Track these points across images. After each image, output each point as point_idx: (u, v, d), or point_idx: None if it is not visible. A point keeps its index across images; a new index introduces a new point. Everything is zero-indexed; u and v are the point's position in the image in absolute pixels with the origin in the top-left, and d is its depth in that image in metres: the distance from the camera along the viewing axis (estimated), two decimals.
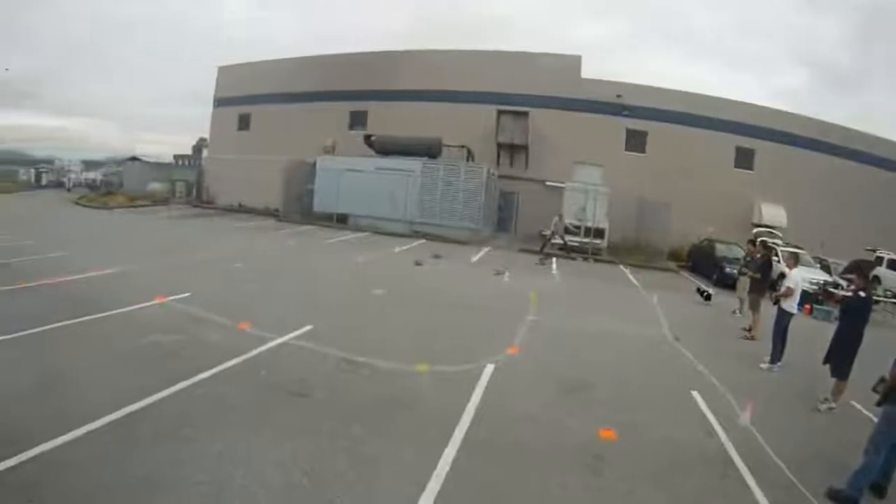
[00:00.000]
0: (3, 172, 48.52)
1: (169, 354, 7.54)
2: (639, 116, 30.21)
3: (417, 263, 17.27)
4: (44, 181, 48.16)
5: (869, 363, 6.89)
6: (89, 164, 51.57)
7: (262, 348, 8.08)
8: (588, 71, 30.77)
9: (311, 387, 6.81)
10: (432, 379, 7.47)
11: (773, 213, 28.56)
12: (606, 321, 11.86)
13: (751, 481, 5.34)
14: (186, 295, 10.72)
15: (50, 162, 53.00)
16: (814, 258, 20.74)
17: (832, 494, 5.16)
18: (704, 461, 5.77)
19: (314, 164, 28.75)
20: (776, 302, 9.91)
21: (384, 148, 27.81)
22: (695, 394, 7.66)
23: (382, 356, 8.07)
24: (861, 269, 8.43)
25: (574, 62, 30.59)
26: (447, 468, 5.03)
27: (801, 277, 10.69)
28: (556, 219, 24.47)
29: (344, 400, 6.55)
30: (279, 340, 8.48)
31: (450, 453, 5.30)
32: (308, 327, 9.25)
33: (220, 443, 5.18)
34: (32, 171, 49.48)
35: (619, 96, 29.90)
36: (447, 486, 4.76)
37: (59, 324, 8.35)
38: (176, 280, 12.01)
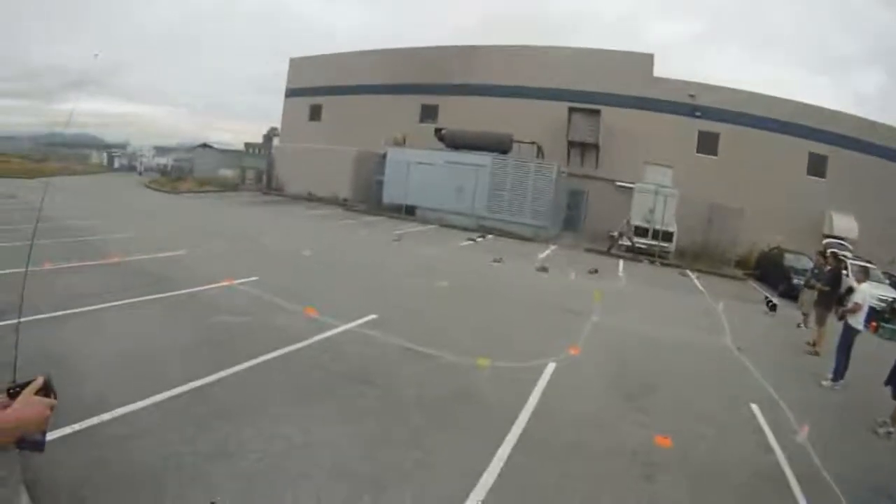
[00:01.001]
0: (78, 155, 50.40)
1: (236, 335, 7.76)
2: (711, 118, 29.19)
3: (496, 260, 17.18)
4: (116, 164, 49.95)
5: None
6: (161, 150, 53.20)
7: (327, 334, 8.22)
8: (660, 70, 29.97)
9: (372, 374, 6.93)
10: (493, 374, 7.49)
11: (844, 224, 27.15)
12: (669, 326, 11.66)
13: (801, 500, 5.23)
14: (254, 279, 10.98)
15: (123, 146, 54.81)
16: (884, 274, 19.77)
17: None
18: (758, 476, 5.66)
19: (384, 156, 28.97)
20: (842, 317, 9.50)
21: (454, 142, 27.81)
22: (754, 407, 7.51)
23: (445, 348, 8.15)
24: None
25: (646, 60, 29.87)
26: (501, 464, 5.06)
27: (870, 293, 10.11)
28: (625, 221, 24.16)
29: (404, 389, 6.63)
30: (343, 327, 8.62)
31: (505, 450, 5.32)
32: (372, 316, 9.36)
33: (280, 423, 5.32)
34: (105, 154, 51.31)
35: (691, 96, 29.04)
36: (500, 482, 4.78)
37: (133, 300, 8.75)
38: (244, 264, 12.33)
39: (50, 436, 1.70)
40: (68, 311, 7.76)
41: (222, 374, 6.26)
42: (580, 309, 11.95)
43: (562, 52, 30.89)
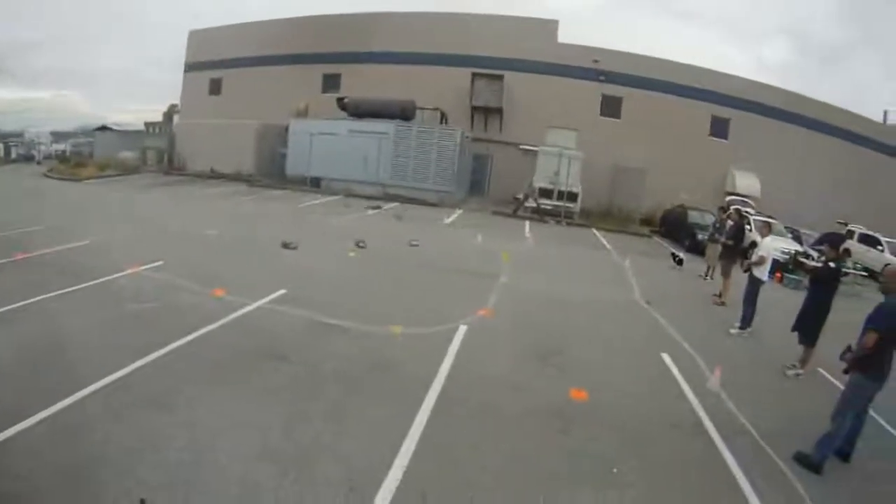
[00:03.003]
0: None
1: (146, 322, 7.61)
2: (615, 82, 30.08)
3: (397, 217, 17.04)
4: (13, 155, 47.20)
5: (836, 333, 7.05)
6: (58, 136, 50.47)
7: (238, 313, 8.16)
8: (565, 36, 30.45)
9: (285, 350, 6.91)
10: (406, 341, 7.55)
11: (746, 183, 28.79)
12: (578, 284, 12.02)
13: (720, 444, 5.45)
14: (159, 263, 10.79)
15: (19, 135, 51.82)
16: (786, 228, 20.97)
17: (799, 459, 5.31)
18: (675, 423, 5.86)
19: (287, 128, 28.50)
20: (747, 269, 10.13)
21: (357, 110, 27.61)
22: (665, 356, 7.86)
23: (357, 318, 8.18)
24: (832, 241, 8.86)
25: (551, 26, 30.28)
26: (421, 429, 5.17)
27: (773, 246, 10.92)
28: (528, 183, 24.77)
29: (318, 363, 6.65)
30: (253, 305, 8.56)
31: (423, 415, 5.43)
32: (282, 291, 9.33)
33: (198, 409, 5.30)
34: (1, 145, 48.51)
35: (595, 62, 29.76)
36: (422, 446, 4.91)
37: (37, 298, 8.34)
38: (148, 249, 11.98)
39: None
40: None
41: (136, 364, 6.17)
42: (489, 271, 12.20)
43: (465, 18, 30.94)
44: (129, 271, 10.18)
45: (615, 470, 4.85)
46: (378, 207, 22.35)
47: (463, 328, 8.10)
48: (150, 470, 4.31)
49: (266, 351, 6.83)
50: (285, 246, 11.72)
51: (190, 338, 7.04)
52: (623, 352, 8.05)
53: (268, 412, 5.34)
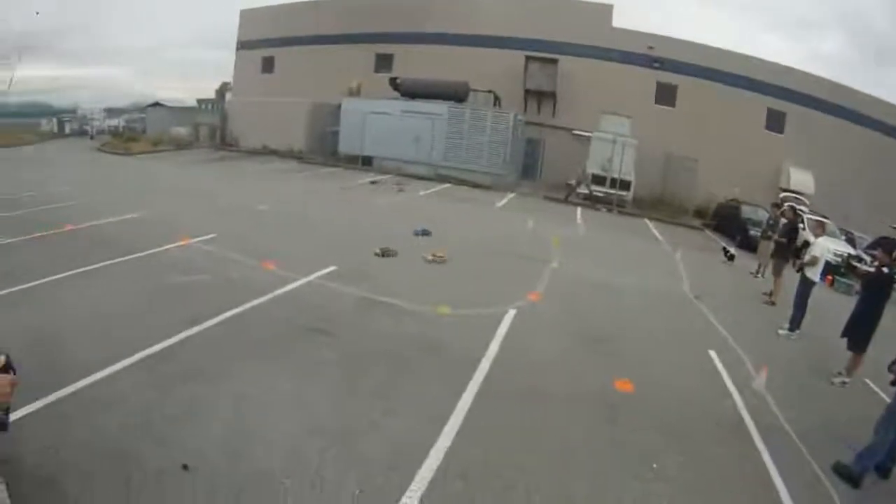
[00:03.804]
0: (26, 123, 48.69)
1: (196, 294, 7.73)
2: (670, 70, 29.19)
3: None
4: (67, 130, 48.26)
5: (887, 341, 6.88)
6: (112, 112, 51.52)
7: (287, 287, 8.22)
8: (620, 21, 29.68)
9: (334, 326, 6.92)
10: (453, 321, 7.52)
11: (800, 179, 27.47)
12: (628, 273, 11.76)
13: (760, 445, 5.32)
14: (211, 236, 10.88)
15: (72, 111, 52.98)
16: (840, 230, 20.17)
17: (838, 470, 5.06)
18: (717, 421, 5.77)
19: (339, 107, 28.48)
20: (799, 269, 9.69)
21: (410, 91, 27.42)
22: (712, 353, 7.66)
23: (406, 297, 8.17)
24: (886, 247, 8.26)
25: (605, 10, 29.53)
26: (465, 410, 5.14)
27: (826, 247, 10.38)
28: (580, 169, 24.30)
29: (366, 339, 6.65)
30: (303, 280, 8.62)
31: (468, 396, 5.40)
32: (332, 268, 9.35)
33: (245, 381, 5.34)
34: (55, 120, 49.57)
35: (650, 48, 28.95)
36: (465, 427, 4.87)
37: (89, 267, 8.54)
38: (200, 222, 12.13)
39: (15, 414, 1.83)
40: (24, 286, 7.50)
41: (185, 334, 6.20)
42: (539, 256, 12.00)
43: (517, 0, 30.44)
44: (181, 243, 10.30)
45: (655, 465, 4.75)
46: (430, 189, 22.20)
47: (512, 311, 8.04)
48: (194, 439, 4.32)
49: (314, 326, 6.84)
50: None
51: (239, 310, 7.10)
52: (670, 345, 7.90)
53: (313, 386, 5.36)
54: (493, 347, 6.65)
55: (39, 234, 10.55)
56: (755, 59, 29.21)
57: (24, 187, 15.56)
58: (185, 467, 3.96)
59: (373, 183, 21.19)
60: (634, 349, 7.37)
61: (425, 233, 12.80)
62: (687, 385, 6.50)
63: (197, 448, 4.19)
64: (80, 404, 4.69)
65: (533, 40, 29.39)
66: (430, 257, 10.77)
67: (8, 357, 1.70)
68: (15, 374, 1.70)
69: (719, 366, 7.21)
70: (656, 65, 29.29)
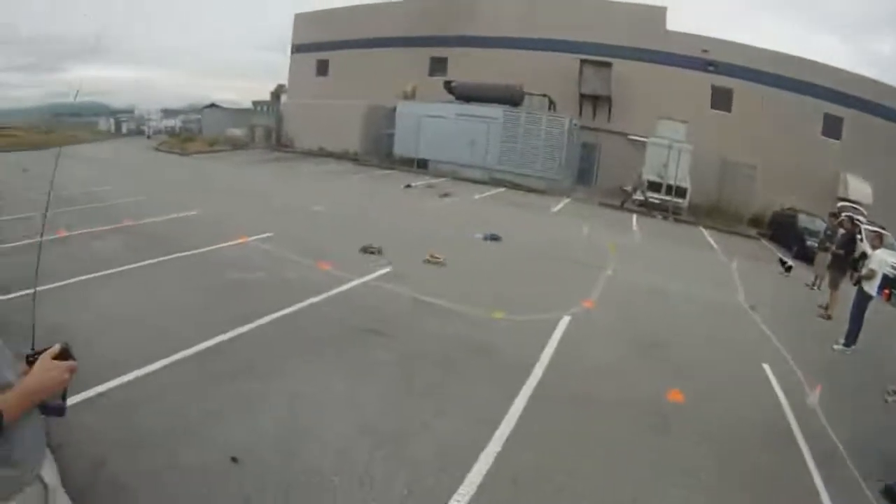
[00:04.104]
0: (84, 123, 50.44)
1: (252, 291, 7.89)
2: (725, 73, 28.45)
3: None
4: (124, 130, 49.89)
5: None
6: (168, 112, 53.25)
7: (342, 288, 8.32)
8: (673, 24, 29.25)
9: (388, 327, 6.97)
10: (508, 326, 7.51)
11: (858, 188, 26.26)
12: (683, 282, 11.59)
13: (810, 462, 5.21)
14: (267, 235, 11.10)
15: (130, 111, 54.78)
16: None
17: (889, 493, 4.89)
18: (767, 435, 5.67)
19: (394, 110, 28.73)
20: (857, 282, 9.31)
21: (465, 94, 27.48)
22: (765, 366, 7.49)
23: (460, 300, 8.19)
24: None
25: (659, 13, 29.12)
26: (517, 415, 5.12)
27: (884, 260, 9.90)
28: (636, 175, 24.02)
29: (419, 341, 6.68)
30: (358, 281, 8.71)
31: (521, 401, 5.38)
32: (387, 269, 9.46)
33: (298, 379, 5.41)
34: (112, 120, 51.23)
35: (704, 51, 28.33)
36: (517, 432, 4.84)
37: (147, 262, 8.82)
38: (256, 221, 12.31)
39: (71, 400, 1.74)
40: (84, 277, 7.82)
41: (239, 330, 6.35)
42: (595, 262, 11.91)
43: (573, 3, 30.17)
44: (238, 241, 10.52)
45: (701, 476, 4.71)
46: (484, 193, 22.14)
47: (566, 318, 8.02)
48: (245, 434, 4.40)
49: (368, 326, 6.89)
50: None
51: (294, 308, 7.21)
52: (723, 355, 7.76)
53: (365, 386, 5.41)
54: (547, 353, 6.69)
55: (101, 229, 10.90)
56: (812, 62, 28.31)
57: (84, 184, 15.96)
58: (234, 460, 4.04)
59: (407, 187, 21.15)
60: (687, 359, 7.37)
61: (494, 238, 12.74)
62: (738, 397, 6.46)
63: (247, 442, 4.28)
64: (135, 394, 4.85)
65: (587, 43, 29.08)
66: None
67: (66, 346, 1.73)
68: (73, 360, 1.74)
69: (772, 379, 7.09)
70: (711, 68, 28.63)
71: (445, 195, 17.02)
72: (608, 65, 28.57)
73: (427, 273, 9.64)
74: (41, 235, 2.14)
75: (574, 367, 6.45)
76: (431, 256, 10.61)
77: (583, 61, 28.72)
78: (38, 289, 1.96)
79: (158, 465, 3.97)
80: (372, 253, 10.50)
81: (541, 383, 5.84)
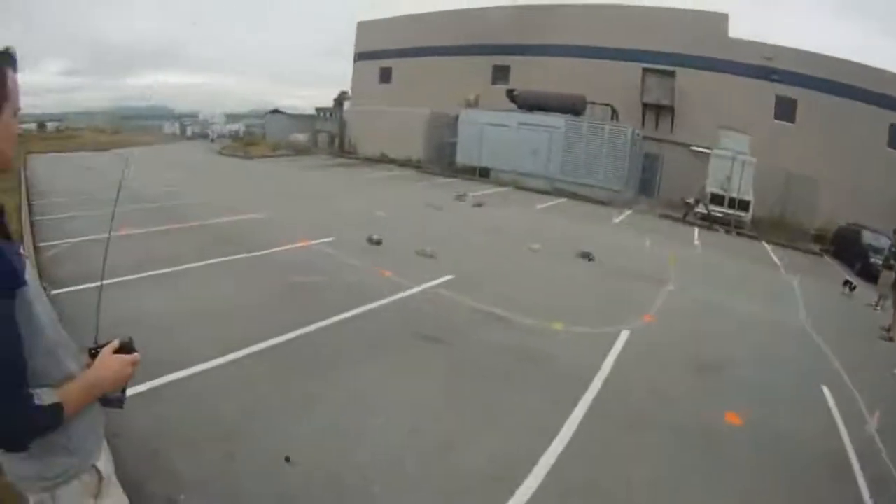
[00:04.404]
0: (149, 126, 52.63)
1: (313, 294, 8.10)
2: (789, 82, 27.71)
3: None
4: (188, 133, 51.67)
5: None
6: (231, 117, 55.03)
7: (402, 294, 8.46)
8: (736, 30, 28.70)
9: (446, 334, 7.07)
10: (567, 339, 7.52)
11: None
12: (744, 299, 11.44)
13: (865, 494, 5.07)
14: (329, 239, 11.36)
15: (194, 115, 56.71)
16: None
17: None
18: (822, 462, 5.56)
19: (457, 118, 29.01)
20: None
21: (527, 103, 27.56)
22: (824, 389, 7.30)
23: (520, 310, 8.22)
24: None
25: (721, 20, 28.57)
26: (573, 429, 5.12)
27: None
28: (700, 187, 23.79)
29: (477, 349, 6.76)
30: (418, 288, 8.83)
31: (577, 415, 5.38)
32: (448, 277, 9.55)
33: (355, 380, 5.57)
34: (177, 123, 53.15)
35: (767, 59, 27.59)
36: (571, 447, 4.83)
37: (212, 261, 9.20)
38: (319, 225, 12.64)
39: (131, 391, 1.81)
40: (150, 273, 8.23)
41: (300, 331, 6.55)
42: (655, 276, 11.90)
43: (635, 10, 30.03)
44: (301, 244, 10.79)
45: (755, 501, 4.67)
46: (546, 203, 22.26)
47: (626, 332, 7.98)
48: (299, 432, 4.54)
49: (426, 333, 6.98)
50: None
51: (354, 312, 7.37)
52: (782, 376, 7.57)
53: (421, 392, 5.48)
54: (606, 367, 6.68)
55: (169, 227, 11.41)
56: (879, 70, 27.28)
57: (150, 185, 16.58)
58: (287, 459, 4.12)
59: (459, 197, 20.78)
60: (746, 379, 7.24)
61: (589, 257, 12.53)
62: (795, 421, 6.30)
63: (300, 440, 4.41)
64: (196, 388, 5.06)
65: (649, 52, 28.86)
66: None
67: (128, 340, 1.76)
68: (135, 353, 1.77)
69: (831, 403, 6.90)
70: (774, 77, 27.89)
71: (478, 204, 17.08)
72: (671, 73, 28.34)
73: (490, 283, 9.72)
74: (109, 232, 2.15)
75: (632, 382, 6.45)
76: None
77: (645, 70, 28.56)
78: (105, 282, 1.99)
79: (214, 459, 4.14)
80: (432, 257, 10.79)
81: (598, 398, 5.85)
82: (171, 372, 5.18)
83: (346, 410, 5.00)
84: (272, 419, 4.73)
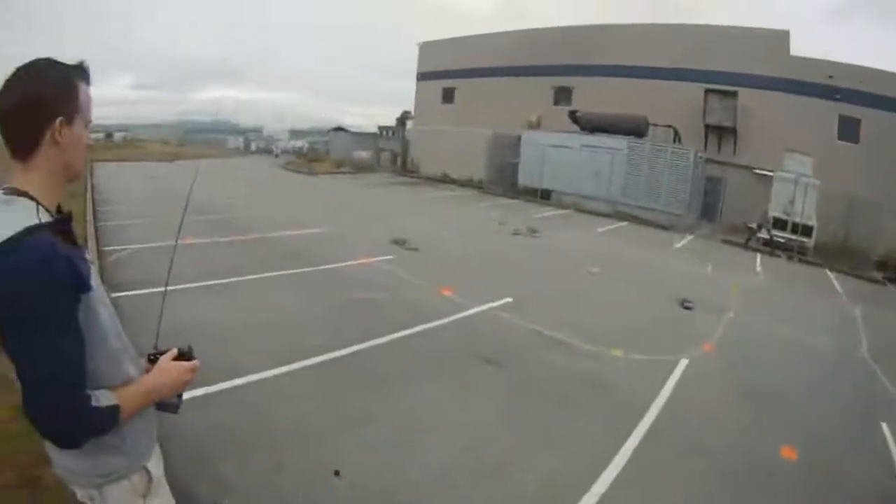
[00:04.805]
0: (214, 140, 54.59)
1: (373, 310, 8.25)
2: (853, 102, 27.01)
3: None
4: (253, 148, 53.42)
5: None
6: (295, 133, 56.66)
7: (462, 314, 8.55)
8: (796, 48, 28.09)
9: (503, 356, 7.09)
10: (626, 365, 7.48)
11: None
12: (806, 329, 11.21)
13: None
14: (390, 257, 11.54)
15: (258, 130, 58.66)
16: None
17: None
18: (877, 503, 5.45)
19: (519, 139, 29.32)
20: None
21: (589, 125, 27.69)
22: (884, 426, 7.05)
23: (579, 335, 8.22)
24: None
25: (782, 37, 28.04)
26: (627, 457, 5.09)
27: None
28: (763, 212, 23.50)
29: (534, 372, 6.78)
30: (478, 309, 8.88)
31: (632, 442, 5.33)
32: (508, 299, 9.55)
33: (410, 398, 5.64)
34: (241, 138, 55.04)
35: (830, 77, 27.04)
36: (623, 475, 4.80)
37: (274, 273, 9.52)
38: (381, 242, 12.83)
39: (186, 395, 1.87)
40: (210, 282, 8.52)
41: (357, 347, 6.71)
42: (717, 304, 11.80)
43: (696, 29, 29.80)
44: (361, 261, 10.98)
45: None
46: (608, 226, 22.41)
47: (685, 361, 7.89)
48: (350, 446, 4.61)
49: (484, 354, 7.04)
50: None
51: (413, 330, 7.48)
52: (841, 410, 7.40)
53: (476, 412, 5.51)
54: (663, 396, 6.63)
55: (232, 239, 11.85)
56: None
57: (215, 196, 17.15)
58: (336, 473, 4.15)
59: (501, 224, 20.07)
60: (804, 412, 7.08)
61: (688, 306, 11.54)
62: (852, 459, 6.14)
63: (350, 454, 4.46)
64: (248, 396, 5.18)
65: (710, 72, 28.54)
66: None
67: (187, 348, 1.83)
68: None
69: (890, 441, 6.68)
70: (837, 96, 27.30)
71: (534, 232, 16.79)
72: (733, 94, 27.95)
73: (550, 306, 9.70)
74: (176, 240, 2.18)
75: (689, 412, 6.37)
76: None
77: (707, 90, 28.27)
78: (168, 288, 2.06)
79: (262, 468, 4.22)
80: (490, 280, 10.83)
81: (653, 426, 5.78)
82: (225, 379, 5.35)
83: (400, 427, 5.07)
84: (323, 432, 4.82)
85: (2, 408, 4.03)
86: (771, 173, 25.21)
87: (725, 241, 23.44)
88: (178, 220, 2.15)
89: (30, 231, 1.45)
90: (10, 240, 1.42)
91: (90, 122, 1.67)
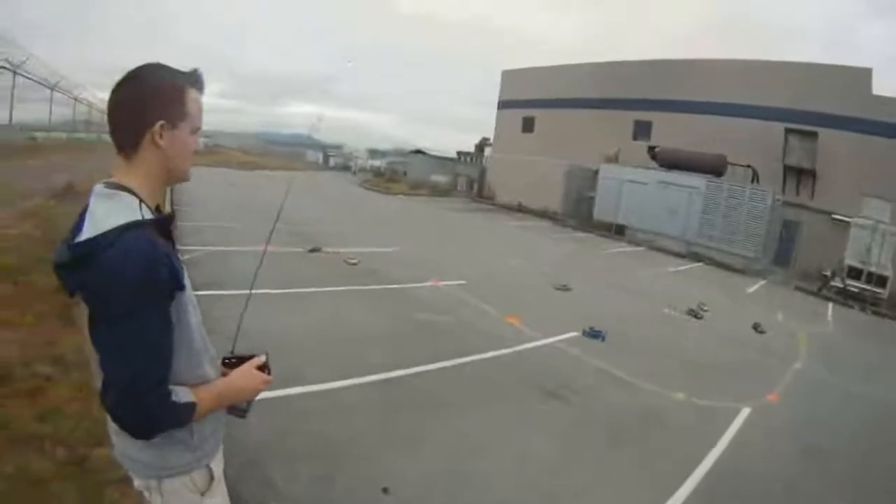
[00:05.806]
0: (293, 153, 56.76)
1: (438, 333, 8.30)
2: None
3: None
4: (331, 163, 55.37)
5: None
6: (373, 153, 58.33)
7: (527, 345, 8.51)
8: (879, 86, 27.17)
9: (565, 390, 7.04)
10: (687, 410, 7.34)
11: None
12: (874, 384, 10.77)
13: None
14: (461, 282, 11.61)
15: (339, 147, 60.71)
16: None
17: None
18: None
19: (596, 172, 29.78)
20: None
21: (667, 161, 27.91)
22: None
23: (643, 376, 8.12)
24: None
25: (864, 75, 27.35)
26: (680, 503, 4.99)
27: None
28: (839, 260, 23.25)
29: (594, 409, 6.74)
30: (544, 341, 8.84)
31: (684, 491, 5.17)
32: (574, 333, 9.51)
33: (467, 425, 5.61)
34: (320, 154, 57.13)
35: None
36: None
37: (345, 287, 9.79)
38: (452, 266, 12.95)
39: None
40: (283, 291, 8.73)
41: (420, 368, 6.77)
42: (783, 353, 11.62)
43: (776, 66, 29.51)
44: (431, 283, 11.12)
45: None
46: (679, 266, 22.60)
47: (746, 410, 7.63)
48: (403, 466, 4.62)
49: (546, 387, 6.99)
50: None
51: (477, 357, 7.54)
52: None
53: (532, 444, 5.46)
54: (720, 445, 6.37)
55: (307, 250, 12.14)
56: None
57: (294, 209, 17.25)
58: (385, 490, 4.15)
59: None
60: (869, 475, 6.65)
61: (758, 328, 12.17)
62: None
63: (401, 473, 4.46)
64: (306, 405, 5.24)
65: (790, 110, 28.18)
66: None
67: (267, 356, 1.85)
68: (269, 373, 1.86)
69: None
70: None
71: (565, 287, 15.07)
72: (814, 134, 27.50)
73: (616, 343, 9.55)
74: (265, 248, 2.32)
75: (746, 464, 6.08)
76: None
77: (787, 130, 27.90)
78: (242, 292, 2.04)
79: (311, 477, 4.24)
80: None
81: (707, 476, 5.54)
82: (286, 387, 5.39)
83: (454, 452, 5.04)
84: (376, 449, 4.83)
85: (64, 387, 4.28)
86: (848, 219, 24.87)
87: (798, 288, 23.25)
88: (253, 228, 2.63)
89: (131, 226, 1.46)
90: (109, 233, 1.44)
91: (198, 128, 1.68)
